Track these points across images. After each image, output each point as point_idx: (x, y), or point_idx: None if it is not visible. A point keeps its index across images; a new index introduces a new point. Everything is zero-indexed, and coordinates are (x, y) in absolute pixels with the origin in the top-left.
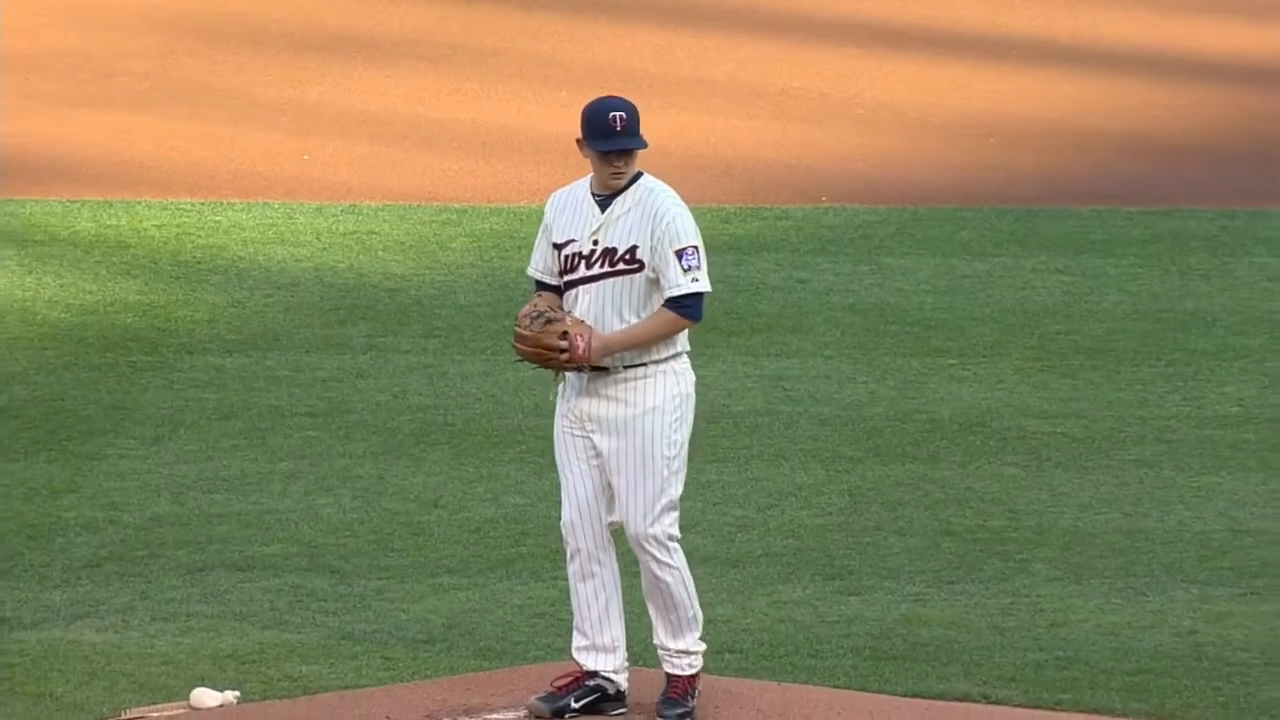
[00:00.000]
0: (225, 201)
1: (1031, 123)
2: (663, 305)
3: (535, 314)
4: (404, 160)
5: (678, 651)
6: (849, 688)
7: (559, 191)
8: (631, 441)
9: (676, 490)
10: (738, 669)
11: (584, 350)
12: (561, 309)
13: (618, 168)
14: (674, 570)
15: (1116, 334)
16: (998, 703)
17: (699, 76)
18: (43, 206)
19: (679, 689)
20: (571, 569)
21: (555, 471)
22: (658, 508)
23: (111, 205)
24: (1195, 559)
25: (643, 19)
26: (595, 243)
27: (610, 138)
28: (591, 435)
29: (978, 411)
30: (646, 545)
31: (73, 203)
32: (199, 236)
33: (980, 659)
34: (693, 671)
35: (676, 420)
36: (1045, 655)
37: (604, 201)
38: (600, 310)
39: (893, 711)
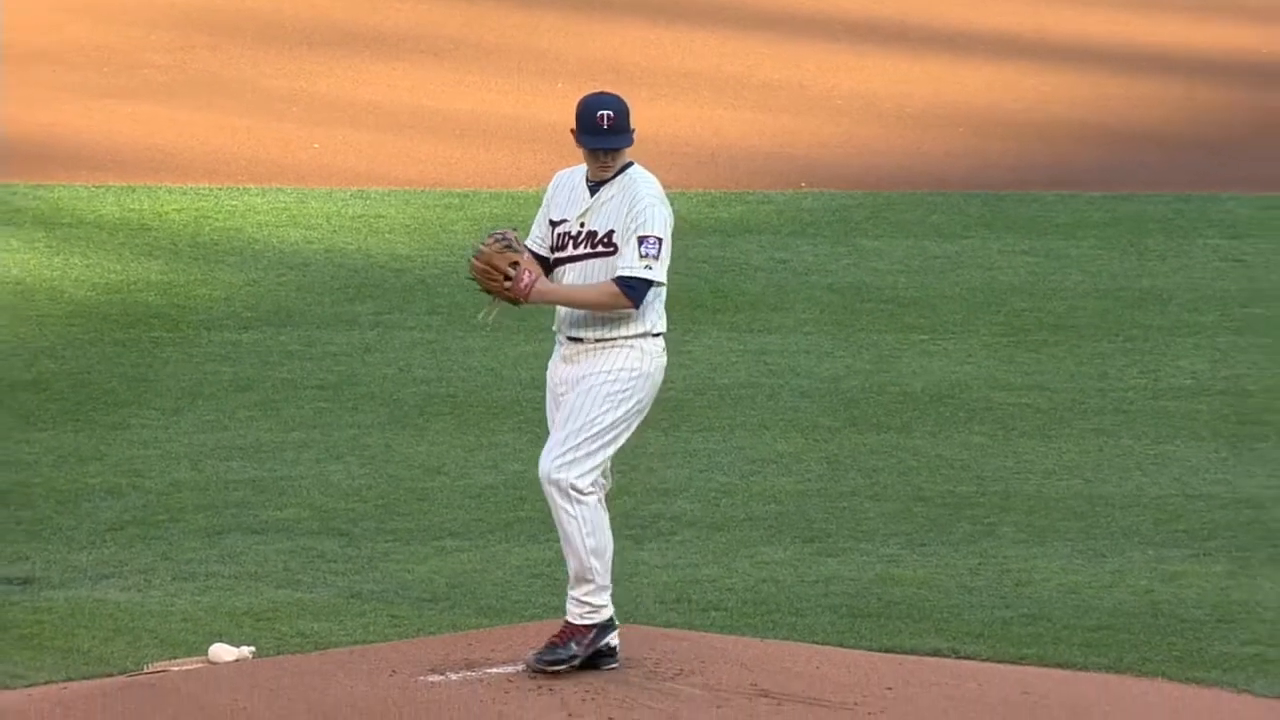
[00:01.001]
0: (241, 187)
1: (998, 113)
2: (611, 279)
3: (500, 237)
4: (409, 148)
5: (573, 598)
6: (827, 643)
7: (563, 171)
8: (575, 393)
9: (598, 450)
10: (722, 626)
11: (525, 286)
12: (523, 249)
13: (603, 162)
14: (573, 519)
15: (1078, 311)
16: (967, 657)
17: (686, 69)
18: (70, 191)
19: (562, 635)
20: None
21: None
22: (569, 456)
23: (134, 190)
24: (1151, 522)
25: (633, 15)
26: (582, 225)
27: (595, 135)
28: (563, 399)
29: (948, 384)
30: (546, 486)
31: (98, 188)
32: (216, 220)
33: (950, 616)
34: (582, 622)
35: (623, 391)
36: (1011, 612)
37: (594, 187)
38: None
39: (868, 665)
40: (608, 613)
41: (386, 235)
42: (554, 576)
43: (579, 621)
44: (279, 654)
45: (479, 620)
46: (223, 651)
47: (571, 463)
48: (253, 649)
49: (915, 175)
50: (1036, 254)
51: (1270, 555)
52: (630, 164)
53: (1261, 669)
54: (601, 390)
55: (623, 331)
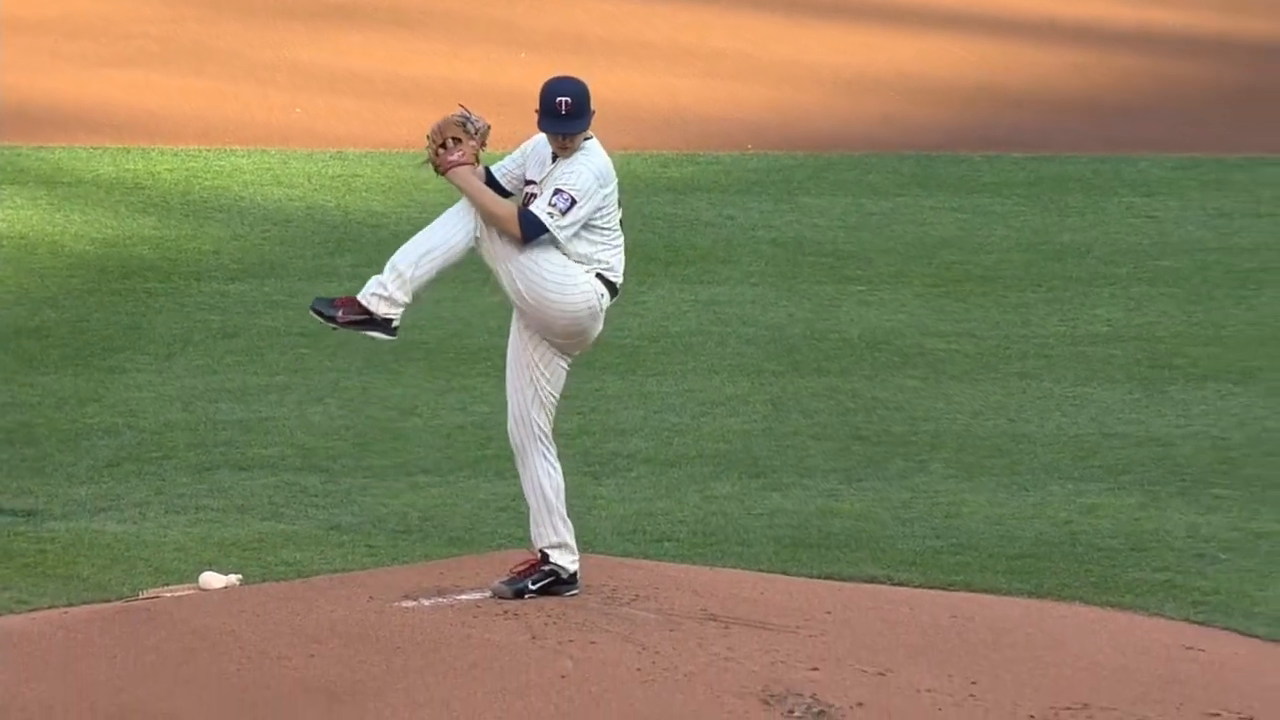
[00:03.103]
0: (228, 148)
1: (930, 80)
2: (519, 205)
3: (465, 115)
4: (384, 112)
5: (377, 279)
6: (771, 571)
7: (542, 136)
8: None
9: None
10: (675, 555)
11: (449, 162)
12: (477, 139)
13: (562, 143)
14: (446, 222)
15: (1003, 264)
16: (900, 583)
17: (642, 39)
18: (69, 153)
19: (344, 300)
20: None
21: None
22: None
23: (129, 152)
24: (1070, 459)
25: None
26: (539, 189)
27: (554, 120)
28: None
29: (883, 331)
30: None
31: (95, 149)
32: (205, 179)
33: (885, 546)
34: (365, 300)
35: (550, 266)
36: (941, 543)
37: (555, 157)
38: (538, 242)
39: (809, 591)
40: (385, 311)
41: (363, 193)
42: (517, 510)
43: (364, 297)
44: (264, 581)
45: (449, 550)
46: (212, 579)
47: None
48: (240, 576)
49: (853, 138)
50: (965, 211)
51: (1179, 489)
52: (589, 137)
53: (1171, 594)
54: (539, 248)
55: (577, 261)
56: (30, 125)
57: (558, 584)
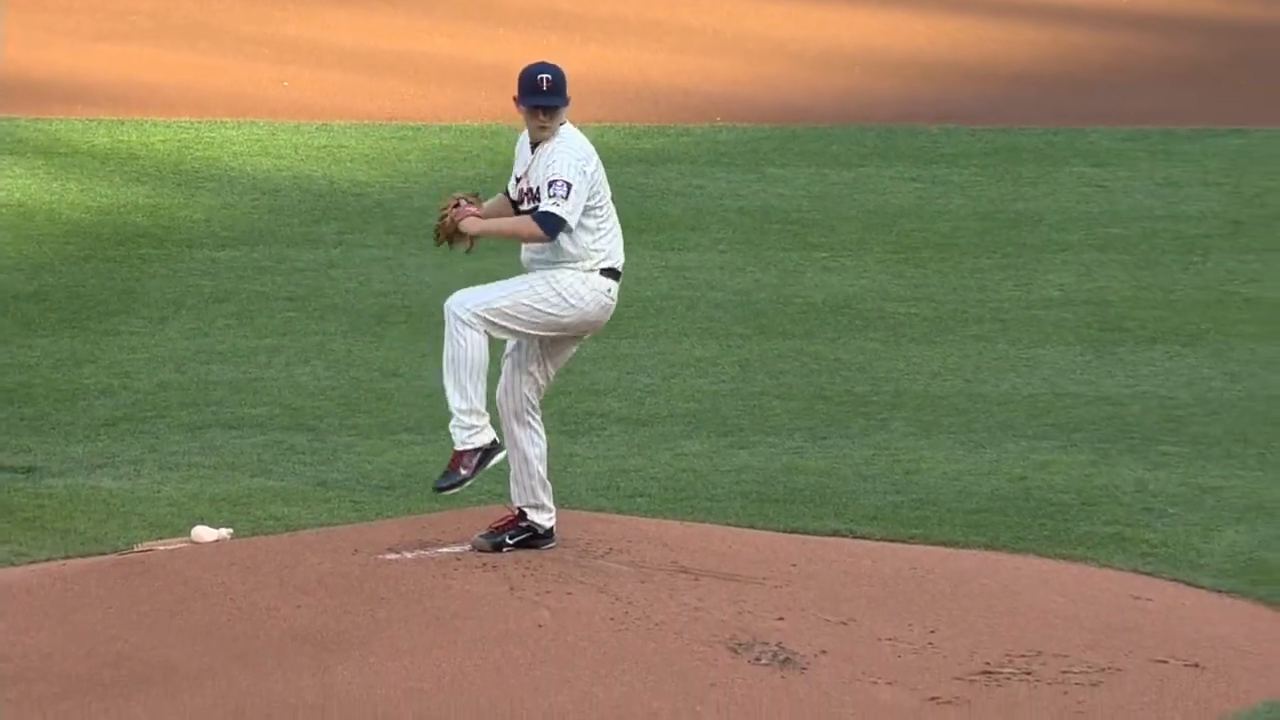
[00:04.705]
0: (218, 120)
1: (890, 55)
2: (528, 213)
3: (473, 195)
4: (368, 86)
5: (454, 426)
6: (739, 525)
7: (523, 133)
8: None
9: (495, 313)
10: (646, 510)
11: (463, 211)
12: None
13: (542, 122)
14: (460, 343)
15: (960, 231)
16: (862, 537)
17: (614, 15)
18: (66, 125)
19: (453, 462)
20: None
21: (496, 347)
22: (478, 302)
23: (123, 124)
24: (1024, 417)
25: None
26: (527, 182)
27: (535, 95)
28: None
29: (845, 296)
30: (447, 312)
31: (91, 121)
32: (197, 150)
33: (848, 501)
34: (466, 446)
35: (550, 294)
36: (901, 498)
37: (534, 147)
38: (527, 283)
39: (775, 545)
40: (487, 438)
41: (348, 164)
42: (498, 467)
43: (464, 446)
44: (254, 535)
45: (431, 505)
46: (204, 533)
47: (475, 305)
48: (230, 530)
49: (817, 110)
50: (924, 180)
51: (1128, 446)
52: (564, 124)
53: (1120, 546)
54: (535, 280)
55: (572, 265)
56: (28, 97)
57: (535, 538)
